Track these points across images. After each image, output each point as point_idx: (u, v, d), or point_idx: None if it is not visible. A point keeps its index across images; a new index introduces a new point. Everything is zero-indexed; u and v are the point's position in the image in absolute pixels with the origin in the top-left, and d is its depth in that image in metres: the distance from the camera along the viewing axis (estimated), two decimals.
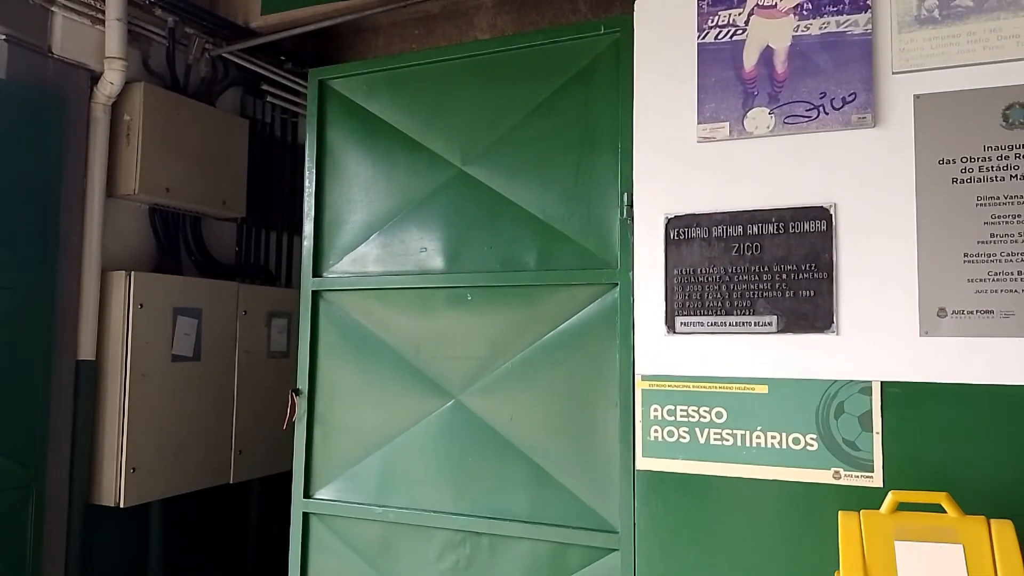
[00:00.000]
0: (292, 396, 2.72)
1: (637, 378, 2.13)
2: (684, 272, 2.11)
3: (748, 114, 2.07)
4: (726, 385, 2.03)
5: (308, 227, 2.77)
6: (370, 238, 2.69)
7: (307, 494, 2.74)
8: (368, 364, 2.66)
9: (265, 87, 4.00)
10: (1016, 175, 1.82)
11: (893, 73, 1.94)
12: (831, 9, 2.01)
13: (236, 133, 3.68)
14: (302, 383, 2.74)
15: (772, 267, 2.02)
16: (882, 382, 1.88)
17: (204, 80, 3.63)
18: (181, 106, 3.37)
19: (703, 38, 2.14)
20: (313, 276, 2.75)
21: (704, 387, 2.06)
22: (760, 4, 2.09)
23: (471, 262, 2.53)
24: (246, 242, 3.97)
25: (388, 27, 4.23)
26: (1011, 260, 1.80)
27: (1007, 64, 1.85)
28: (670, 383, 2.09)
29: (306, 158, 2.80)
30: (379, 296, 2.65)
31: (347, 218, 2.74)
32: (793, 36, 2.04)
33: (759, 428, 1.99)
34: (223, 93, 3.78)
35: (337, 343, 2.73)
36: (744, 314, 2.04)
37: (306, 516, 2.73)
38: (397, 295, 2.62)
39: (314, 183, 2.77)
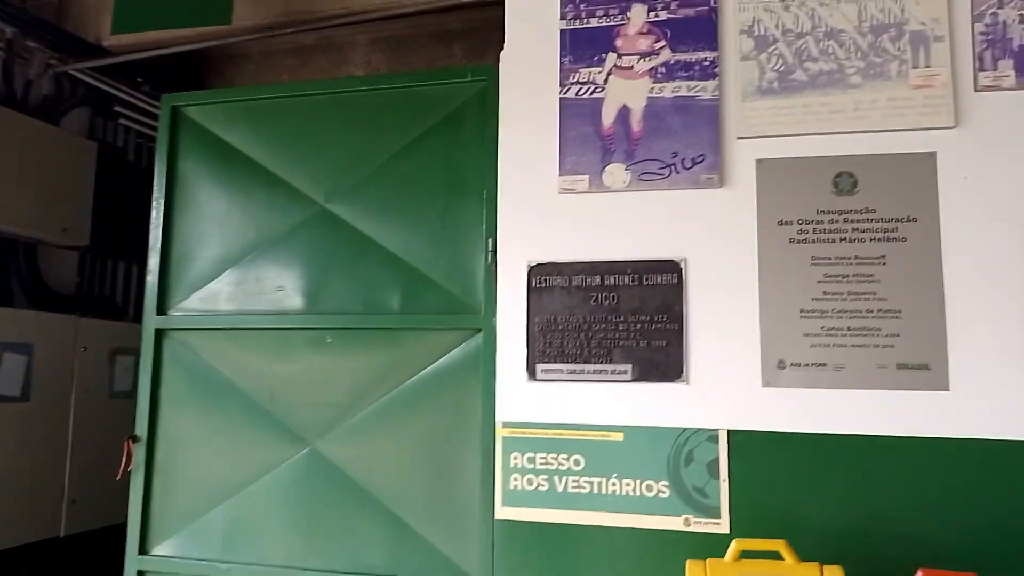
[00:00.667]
0: (128, 444, 2.50)
1: (498, 425, 2.11)
2: (546, 320, 2.13)
3: (606, 169, 2.14)
4: (584, 432, 2.06)
5: (153, 261, 2.59)
6: (223, 274, 2.54)
7: (143, 550, 2.51)
8: (217, 409, 2.49)
9: (118, 109, 3.75)
10: (845, 238, 1.97)
11: (738, 138, 2.07)
12: (683, 74, 2.13)
13: (81, 155, 3.41)
14: (141, 429, 2.53)
15: (628, 317, 2.08)
16: (728, 430, 1.96)
17: (47, 98, 3.35)
18: (17, 124, 3.08)
19: (565, 93, 2.20)
20: (158, 313, 2.56)
21: (563, 434, 2.07)
22: (618, 65, 2.18)
23: (332, 303, 2.45)
24: (90, 272, 3.66)
25: (259, 56, 4.09)
26: (841, 317, 1.95)
27: (836, 136, 2.01)
28: (531, 430, 2.09)
29: (154, 187, 2.63)
30: (231, 336, 2.50)
31: (198, 252, 2.58)
32: (648, 97, 2.14)
33: (615, 475, 2.02)
34: (69, 113, 3.50)
35: (183, 386, 2.54)
36: (602, 362, 2.08)
37: (141, 574, 2.49)
38: (251, 336, 2.49)
39: (162, 214, 2.60)
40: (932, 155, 1.95)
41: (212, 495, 2.46)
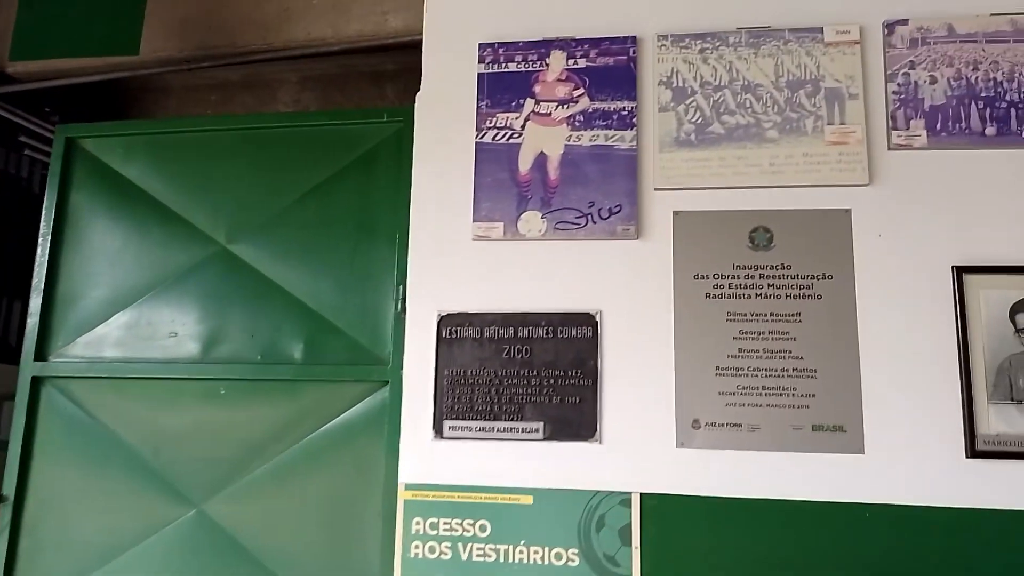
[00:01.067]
0: None
1: (400, 487, 1.96)
2: (455, 372, 2.01)
3: (522, 216, 2.05)
4: (492, 495, 1.92)
5: (35, 302, 2.38)
6: (112, 317, 2.35)
7: None
8: (96, 465, 2.27)
9: (24, 139, 3.52)
10: (760, 294, 1.92)
11: (655, 189, 2.02)
12: (600, 123, 2.08)
13: None
14: (8, 487, 2.28)
15: (541, 371, 1.98)
16: (641, 494, 1.86)
17: None
18: None
19: (481, 137, 2.13)
20: (36, 360, 2.35)
21: (469, 497, 1.93)
22: (536, 111, 2.12)
23: (228, 351, 2.28)
24: None
25: (181, 90, 3.93)
26: (756, 375, 1.88)
27: (753, 190, 1.98)
28: (435, 493, 1.94)
29: (42, 222, 2.43)
30: (116, 386, 2.30)
31: (86, 293, 2.38)
32: (566, 145, 2.08)
33: (523, 542, 1.88)
34: None
35: (60, 439, 2.31)
36: (512, 419, 1.96)
37: None
38: (138, 385, 2.29)
39: (47, 251, 2.41)
40: (847, 212, 1.94)
41: (86, 561, 2.22)
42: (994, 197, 1.89)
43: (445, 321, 2.04)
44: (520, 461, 1.93)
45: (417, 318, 2.06)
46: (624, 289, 1.98)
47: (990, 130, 1.92)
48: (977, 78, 1.95)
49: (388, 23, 3.03)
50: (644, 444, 1.89)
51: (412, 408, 2.00)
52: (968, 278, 1.84)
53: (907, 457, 1.78)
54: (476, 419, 1.97)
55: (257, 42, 3.31)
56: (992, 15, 1.98)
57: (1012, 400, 1.77)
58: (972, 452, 1.75)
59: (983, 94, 1.94)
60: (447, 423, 1.98)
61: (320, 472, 2.15)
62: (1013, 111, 1.92)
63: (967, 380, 1.78)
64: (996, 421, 1.76)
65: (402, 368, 2.06)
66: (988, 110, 1.93)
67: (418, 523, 1.93)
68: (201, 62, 3.29)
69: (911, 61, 1.98)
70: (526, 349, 2.00)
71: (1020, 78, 1.93)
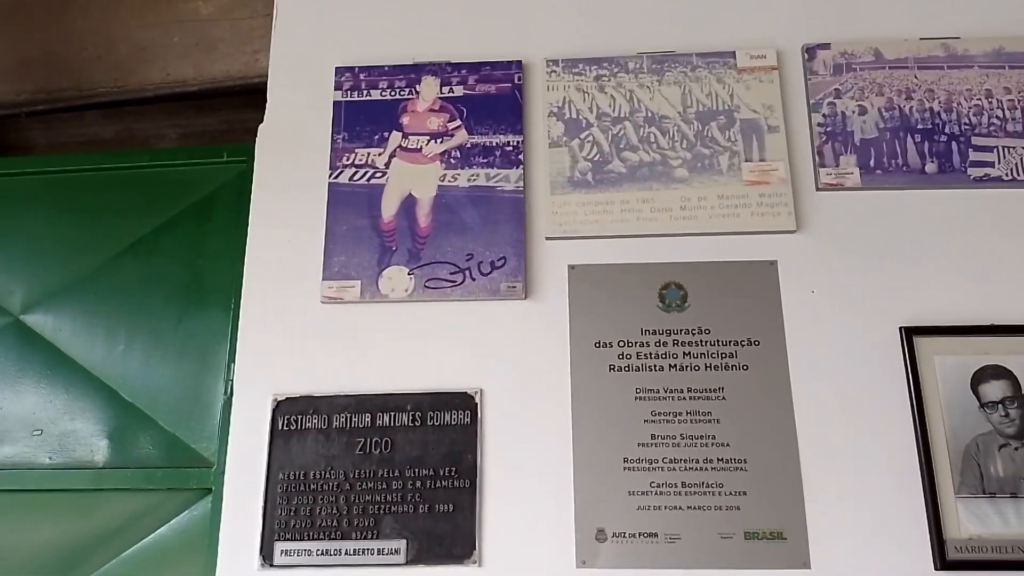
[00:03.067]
0: None
1: None
2: (292, 476, 1.55)
3: (384, 273, 1.65)
4: None
5: None
6: None
7: None
8: None
9: None
10: (675, 365, 1.55)
11: (546, 238, 1.65)
12: (481, 160, 1.71)
13: None
14: None
15: (404, 471, 1.54)
16: None
17: None
18: None
19: (336, 177, 1.73)
20: None
21: None
22: (403, 146, 1.74)
23: (8, 453, 1.75)
24: None
25: (46, 147, 3.42)
26: (673, 468, 1.49)
27: (661, 239, 1.64)
28: None
29: None
30: None
31: None
32: (439, 186, 1.70)
33: None
34: None
35: None
36: (366, 537, 1.50)
37: None
38: None
39: None
40: (773, 264, 1.61)
41: None
42: (942, 244, 1.59)
43: (282, 408, 1.59)
44: None
45: (246, 404, 1.60)
46: (510, 362, 1.58)
47: (931, 167, 1.64)
48: (911, 108, 1.68)
49: (258, 62, 2.63)
50: (536, 566, 1.45)
51: (234, 526, 1.52)
52: (920, 341, 1.51)
53: (864, 572, 1.40)
54: (318, 539, 1.50)
55: (107, 84, 2.86)
56: (921, 39, 1.73)
57: (984, 493, 1.42)
58: (942, 563, 1.38)
59: (919, 126, 1.67)
60: (279, 546, 1.50)
61: None
62: (955, 144, 1.65)
63: (929, 469, 1.44)
64: (967, 521, 1.41)
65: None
66: (926, 144, 1.65)
67: None
68: (38, 105, 2.81)
69: (836, 89, 1.70)
70: (386, 442, 1.56)
71: (959, 108, 1.67)
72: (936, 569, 1.39)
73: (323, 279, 1.65)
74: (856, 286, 1.58)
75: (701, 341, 1.56)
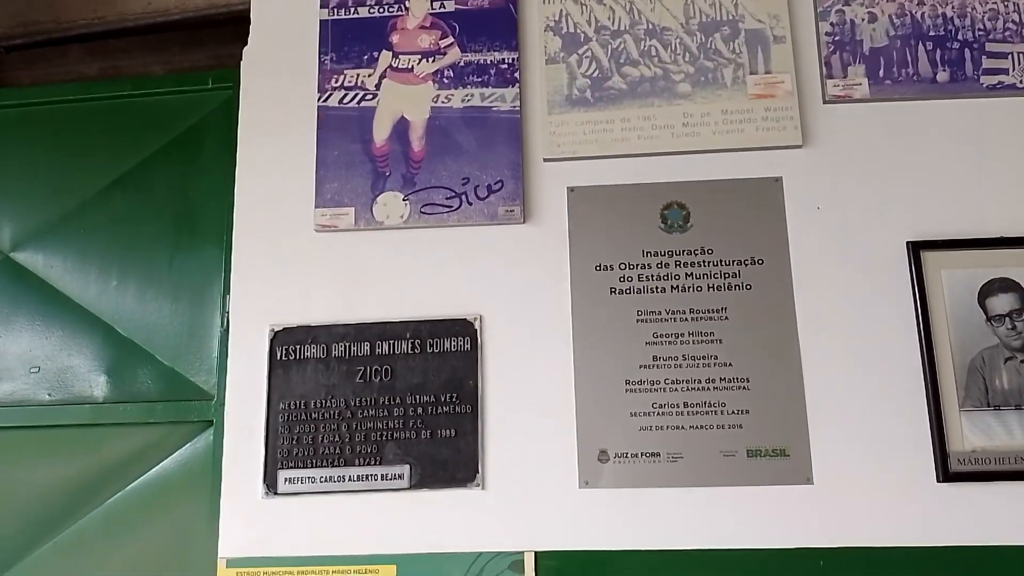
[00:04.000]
0: None
1: (220, 564, 1.48)
2: (293, 406, 1.54)
3: (378, 199, 1.60)
4: (343, 568, 1.46)
5: None
6: None
7: None
8: None
9: None
10: (677, 287, 1.53)
11: (544, 160, 1.60)
12: (475, 80, 1.65)
13: None
14: None
15: (405, 398, 1.53)
16: (536, 553, 1.43)
17: None
18: None
19: (325, 100, 1.67)
20: None
21: (314, 573, 1.46)
22: (394, 66, 1.67)
23: (5, 389, 1.74)
24: None
25: (30, 85, 3.31)
26: (675, 389, 1.48)
27: (663, 157, 1.59)
28: (266, 570, 1.47)
29: None
30: None
31: None
32: (432, 107, 1.64)
33: None
34: None
35: None
36: (369, 463, 1.50)
37: None
38: None
39: None
40: (778, 181, 1.56)
41: None
42: (952, 156, 1.54)
43: (280, 338, 1.57)
44: (380, 519, 1.47)
45: (243, 336, 1.58)
46: (509, 287, 1.56)
47: (942, 75, 1.57)
48: (924, 14, 1.61)
49: None
50: (539, 487, 1.46)
51: (236, 456, 1.53)
52: (927, 256, 1.48)
53: (866, 486, 1.41)
54: (321, 466, 1.50)
55: (86, 15, 2.75)
56: None
57: (988, 406, 1.41)
58: (944, 475, 1.38)
59: (931, 33, 1.60)
60: (283, 474, 1.51)
61: (128, 546, 1.64)
62: (967, 52, 1.58)
63: (933, 383, 1.42)
64: (971, 434, 1.40)
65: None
66: (938, 52, 1.58)
67: None
68: (15, 39, 2.71)
69: None
70: (386, 370, 1.55)
71: (974, 14, 1.60)
72: (939, 482, 1.39)
73: (316, 207, 1.61)
74: (863, 201, 1.54)
75: (704, 262, 1.53)
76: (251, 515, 1.49)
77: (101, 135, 1.87)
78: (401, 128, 1.64)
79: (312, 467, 1.51)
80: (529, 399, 1.50)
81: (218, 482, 1.55)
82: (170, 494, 1.66)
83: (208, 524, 1.55)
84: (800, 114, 1.57)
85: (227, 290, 1.66)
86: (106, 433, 1.71)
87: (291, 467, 1.51)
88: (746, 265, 1.52)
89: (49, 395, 1.74)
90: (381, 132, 1.64)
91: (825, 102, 1.58)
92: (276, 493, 1.50)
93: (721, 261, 1.53)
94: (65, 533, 1.67)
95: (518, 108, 1.63)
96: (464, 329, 1.55)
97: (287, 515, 1.49)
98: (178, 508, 1.64)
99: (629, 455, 1.45)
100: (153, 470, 1.67)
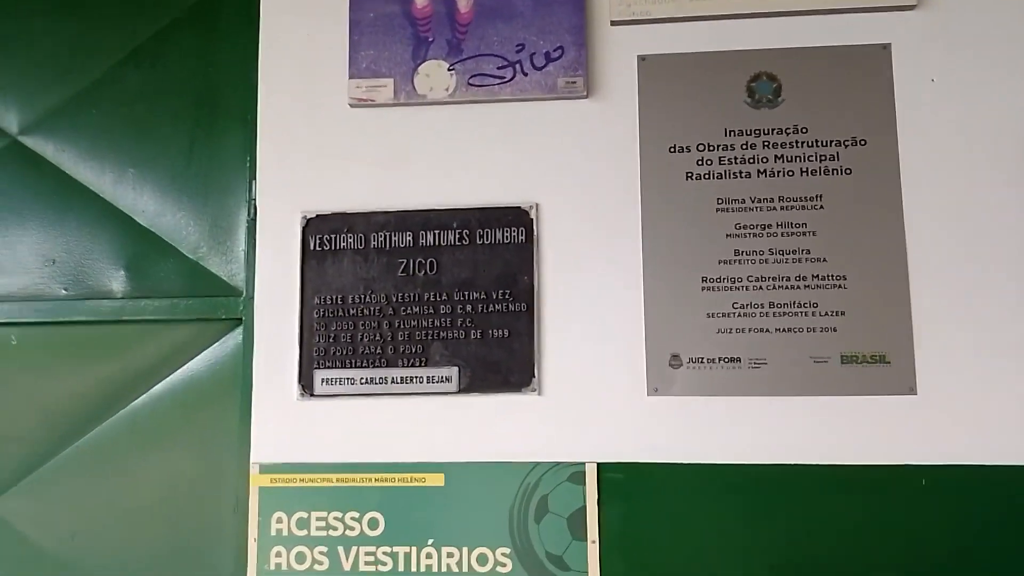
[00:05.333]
0: None
1: (253, 469, 1.37)
2: (329, 301, 1.39)
3: (420, 69, 1.41)
4: (386, 476, 1.34)
5: None
6: None
7: None
8: None
9: None
10: (765, 171, 1.33)
11: (611, 23, 1.39)
12: None
13: None
14: None
15: (453, 294, 1.37)
16: (599, 464, 1.29)
17: None
18: None
19: None
20: None
21: (353, 480, 1.34)
22: None
23: (19, 283, 1.62)
24: None
25: None
26: (760, 287, 1.31)
27: (751, 20, 1.37)
28: (302, 476, 1.35)
29: None
30: None
31: None
32: None
33: (430, 542, 1.31)
34: None
35: None
36: (414, 365, 1.36)
37: None
38: None
39: None
40: (886, 48, 1.34)
41: None
42: None
43: (313, 226, 1.41)
44: (426, 425, 1.34)
45: (272, 225, 1.43)
46: (569, 172, 1.38)
47: None
48: None
49: None
50: (602, 393, 1.32)
51: (268, 355, 1.40)
52: None
53: (976, 397, 1.24)
54: (361, 367, 1.37)
55: None
56: None
57: None
58: None
59: None
60: (319, 374, 1.37)
61: (153, 451, 1.53)
62: None
63: None
64: None
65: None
66: None
67: (280, 520, 1.34)
68: None
69: None
70: (431, 263, 1.39)
71: None
72: None
73: (350, 78, 1.42)
74: (984, 73, 1.32)
75: (797, 142, 1.33)
76: (285, 418, 1.37)
77: (111, 3, 1.68)
78: None
79: (351, 367, 1.37)
80: (591, 297, 1.34)
81: (249, 384, 1.44)
82: (198, 396, 1.54)
83: (239, 428, 1.44)
84: None
85: (253, 174, 1.50)
86: (128, 331, 1.58)
87: (328, 367, 1.37)
88: (846, 146, 1.32)
89: (65, 290, 1.61)
90: None
91: None
92: (312, 395, 1.37)
93: (817, 141, 1.33)
94: (87, 438, 1.56)
95: None
96: (518, 218, 1.37)
97: (324, 418, 1.36)
98: (207, 411, 1.52)
99: (705, 360, 1.29)
100: (179, 371, 1.55)
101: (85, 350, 1.60)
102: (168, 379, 1.55)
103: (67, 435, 1.58)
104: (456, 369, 1.35)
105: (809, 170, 1.32)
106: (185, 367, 1.55)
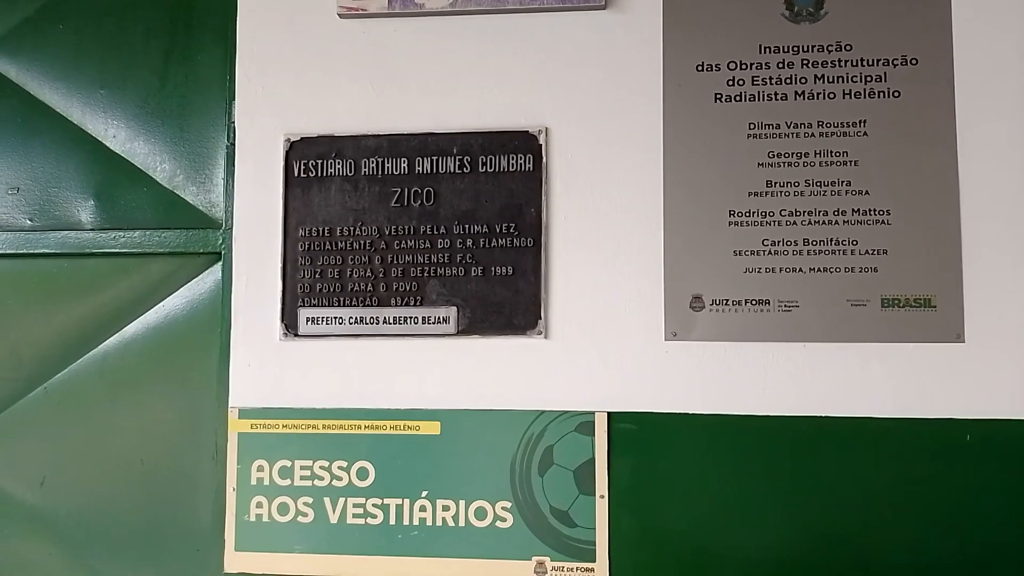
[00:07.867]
0: None
1: (231, 414, 1.25)
2: (316, 233, 1.27)
3: None
4: (377, 423, 1.23)
5: None
6: None
7: None
8: None
9: None
10: (803, 92, 1.19)
11: None
12: None
13: None
14: None
15: (452, 227, 1.25)
16: (609, 413, 1.18)
17: None
18: None
19: None
20: None
21: (341, 428, 1.23)
22: None
23: None
24: None
25: None
26: (794, 222, 1.18)
27: None
28: (285, 422, 1.24)
29: None
30: None
31: None
32: None
33: (424, 494, 1.21)
34: None
35: None
36: (408, 304, 1.24)
37: None
38: None
39: None
40: None
41: None
42: None
43: (297, 150, 1.28)
44: (421, 369, 1.23)
45: (252, 149, 1.30)
46: (583, 92, 1.25)
47: None
48: None
49: None
50: (615, 337, 1.20)
51: (248, 292, 1.28)
52: None
53: None
54: (350, 305, 1.25)
55: None
56: None
57: None
58: None
59: None
60: (304, 313, 1.25)
61: (126, 393, 1.42)
62: None
63: None
64: None
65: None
66: None
67: (260, 469, 1.24)
68: None
69: None
70: (428, 192, 1.26)
71: None
72: None
73: None
74: None
75: (840, 60, 1.20)
76: (267, 360, 1.26)
77: None
78: None
79: (339, 306, 1.25)
80: (605, 231, 1.22)
81: (228, 322, 1.32)
82: (174, 336, 1.42)
83: (218, 371, 1.33)
84: None
85: (232, 94, 1.36)
86: (98, 265, 1.46)
87: (314, 305, 1.25)
88: (895, 66, 1.19)
89: (30, 220, 1.48)
90: None
91: None
92: (296, 335, 1.25)
93: (862, 60, 1.19)
94: (55, 380, 1.45)
95: None
96: (525, 144, 1.24)
97: (309, 360, 1.25)
98: (184, 352, 1.41)
99: (730, 302, 1.17)
100: (154, 309, 1.43)
101: (52, 285, 1.48)
102: (142, 317, 1.44)
103: (34, 376, 1.46)
104: (454, 309, 1.23)
105: (853, 92, 1.19)
106: (160, 305, 1.43)
